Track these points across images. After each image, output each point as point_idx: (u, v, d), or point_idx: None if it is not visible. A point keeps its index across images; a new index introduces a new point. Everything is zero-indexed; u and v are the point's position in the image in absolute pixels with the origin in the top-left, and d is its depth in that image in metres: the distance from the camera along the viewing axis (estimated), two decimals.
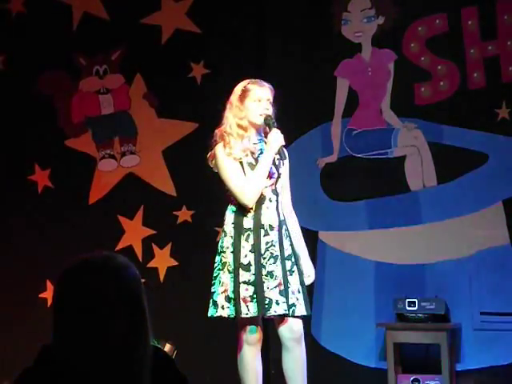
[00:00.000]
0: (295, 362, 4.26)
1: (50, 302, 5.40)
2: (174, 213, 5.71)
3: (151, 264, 5.68)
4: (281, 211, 4.31)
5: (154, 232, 5.71)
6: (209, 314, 4.27)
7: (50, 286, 5.60)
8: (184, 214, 5.71)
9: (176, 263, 5.69)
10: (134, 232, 5.70)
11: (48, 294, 5.64)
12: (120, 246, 5.69)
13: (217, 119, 5.70)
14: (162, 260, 5.69)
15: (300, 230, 4.43)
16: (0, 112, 5.85)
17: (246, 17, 5.76)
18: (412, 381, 5.19)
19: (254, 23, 5.77)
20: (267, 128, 4.30)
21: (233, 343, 5.56)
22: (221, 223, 5.65)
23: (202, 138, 5.72)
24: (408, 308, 5.24)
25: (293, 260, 4.27)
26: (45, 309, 5.37)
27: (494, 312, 5.26)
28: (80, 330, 1.79)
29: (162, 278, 5.68)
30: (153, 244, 5.70)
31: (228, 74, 5.72)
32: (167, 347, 5.25)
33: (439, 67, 5.52)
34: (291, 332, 4.24)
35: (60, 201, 5.77)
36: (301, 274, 4.30)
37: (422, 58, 5.54)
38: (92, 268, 1.84)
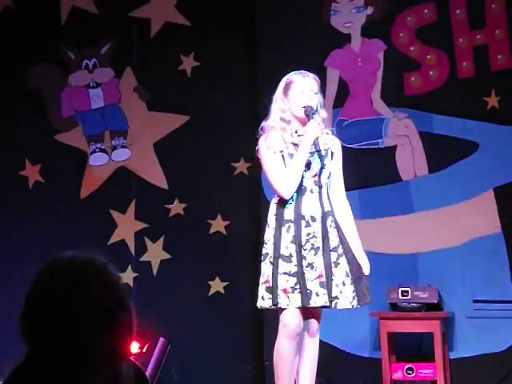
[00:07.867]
0: (307, 355, 4.30)
1: None
2: (166, 206, 5.71)
3: (144, 258, 5.68)
4: (325, 202, 4.27)
5: (147, 225, 5.70)
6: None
7: None
8: (176, 207, 5.71)
9: (169, 256, 5.68)
10: (127, 226, 5.69)
11: None
12: (112, 240, 5.68)
13: (208, 111, 5.74)
14: (155, 253, 5.68)
15: (353, 221, 4.37)
16: None
17: (236, 9, 5.76)
18: (406, 370, 5.20)
19: (244, 15, 5.76)
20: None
21: (226, 336, 5.58)
22: (213, 216, 5.70)
23: (193, 131, 5.77)
24: (401, 297, 5.25)
25: (339, 252, 4.24)
26: None
27: (486, 300, 5.28)
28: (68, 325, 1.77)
29: (154, 271, 5.68)
30: (145, 238, 5.70)
31: (218, 67, 5.72)
32: (161, 341, 5.25)
33: (428, 56, 5.53)
34: (311, 326, 4.27)
35: (51, 196, 5.75)
36: (352, 265, 4.26)
37: (412, 48, 5.55)
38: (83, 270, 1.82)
